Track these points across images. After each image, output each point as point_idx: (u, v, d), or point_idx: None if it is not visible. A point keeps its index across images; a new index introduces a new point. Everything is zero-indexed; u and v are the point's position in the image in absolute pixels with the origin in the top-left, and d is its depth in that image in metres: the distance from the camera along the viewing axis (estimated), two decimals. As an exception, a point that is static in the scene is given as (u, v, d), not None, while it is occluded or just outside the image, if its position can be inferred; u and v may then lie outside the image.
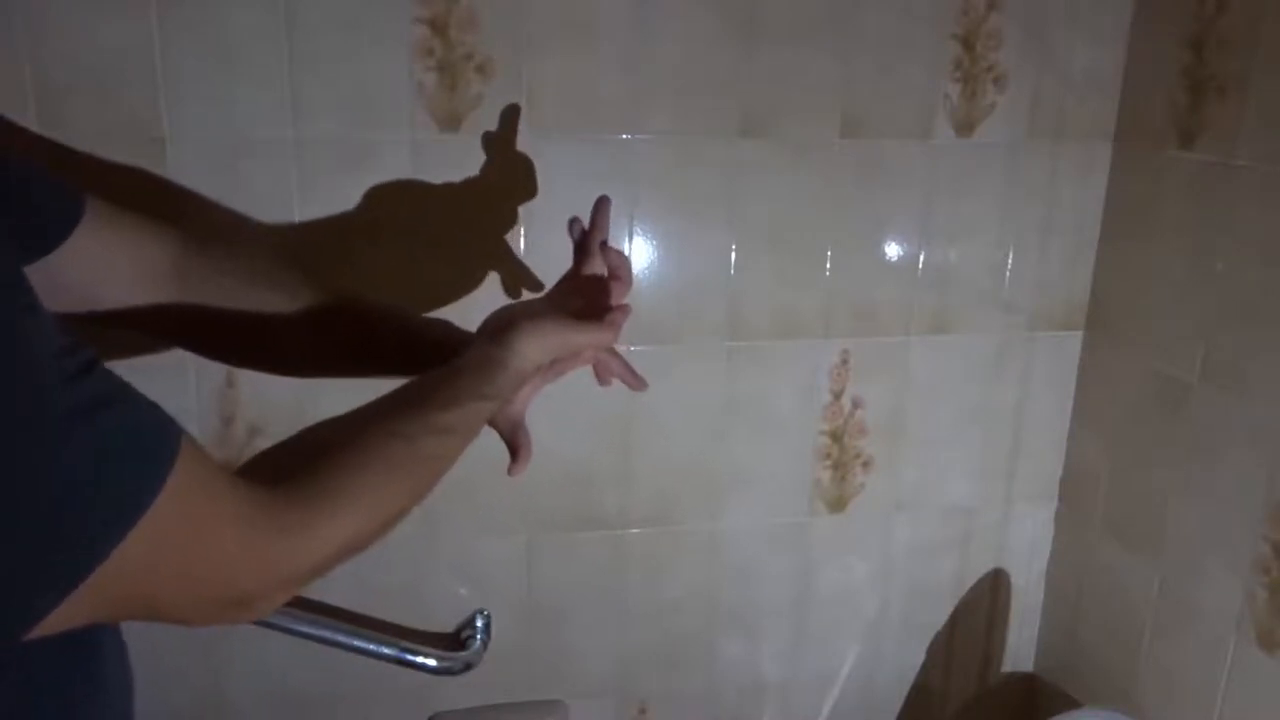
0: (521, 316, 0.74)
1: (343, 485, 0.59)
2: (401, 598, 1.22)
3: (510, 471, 0.78)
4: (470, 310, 1.12)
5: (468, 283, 1.13)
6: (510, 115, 1.10)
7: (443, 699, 1.29)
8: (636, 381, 0.84)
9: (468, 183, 1.11)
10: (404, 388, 0.69)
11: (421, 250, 1.13)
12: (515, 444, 0.80)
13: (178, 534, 0.48)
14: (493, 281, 1.14)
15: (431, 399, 0.67)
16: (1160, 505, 1.22)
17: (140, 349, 1.09)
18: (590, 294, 0.83)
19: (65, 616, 0.44)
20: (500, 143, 1.10)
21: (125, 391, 0.47)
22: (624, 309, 0.80)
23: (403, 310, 0.88)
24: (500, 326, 0.74)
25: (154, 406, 0.49)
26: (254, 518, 0.53)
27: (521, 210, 1.13)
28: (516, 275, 1.14)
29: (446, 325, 0.86)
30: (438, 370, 0.71)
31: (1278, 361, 1.05)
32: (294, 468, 0.58)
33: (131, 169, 1.04)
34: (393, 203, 1.10)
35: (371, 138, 1.08)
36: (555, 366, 0.79)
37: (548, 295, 0.84)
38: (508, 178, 1.12)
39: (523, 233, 1.14)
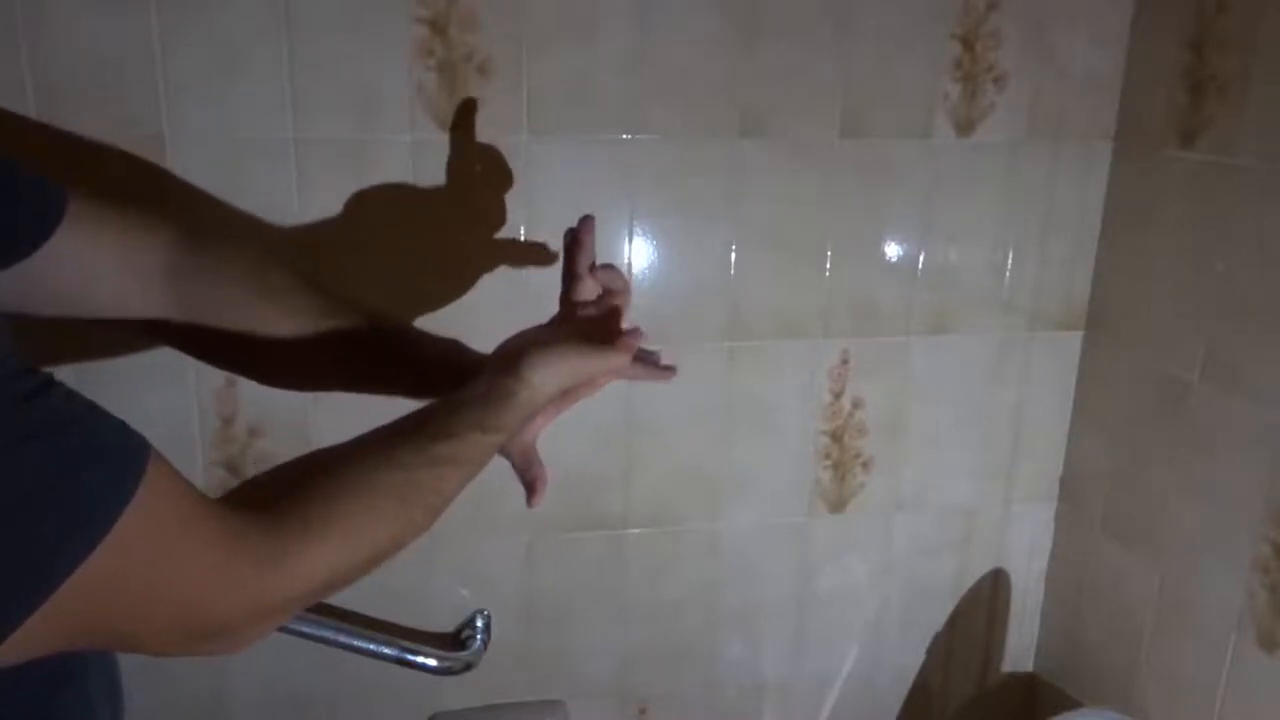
0: (532, 345, 0.71)
1: (328, 516, 0.56)
2: (402, 598, 1.22)
3: (529, 504, 0.76)
4: (471, 314, 1.12)
5: (464, 284, 1.13)
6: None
7: (443, 699, 1.29)
8: (667, 373, 0.82)
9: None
10: (405, 418, 0.66)
11: (414, 254, 1.13)
12: (528, 476, 0.77)
13: (143, 559, 0.46)
14: (491, 280, 1.14)
15: (431, 430, 0.65)
16: (1160, 505, 1.22)
17: (140, 347, 1.09)
18: (600, 316, 0.80)
19: (22, 647, 0.43)
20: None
21: (87, 412, 0.45)
22: (636, 332, 0.76)
23: (410, 328, 0.86)
24: (510, 356, 0.71)
25: (121, 427, 0.47)
26: (228, 546, 0.51)
27: (521, 212, 1.13)
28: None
29: (457, 345, 0.84)
30: (441, 400, 0.69)
31: (1278, 361, 1.05)
32: (280, 496, 0.56)
33: (132, 167, 1.04)
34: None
35: (371, 138, 1.08)
36: (569, 394, 0.76)
37: (557, 320, 0.81)
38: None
39: (523, 234, 1.14)
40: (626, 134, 1.14)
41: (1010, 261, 1.29)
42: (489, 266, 1.14)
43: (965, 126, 1.23)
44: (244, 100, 1.05)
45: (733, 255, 1.21)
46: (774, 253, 1.22)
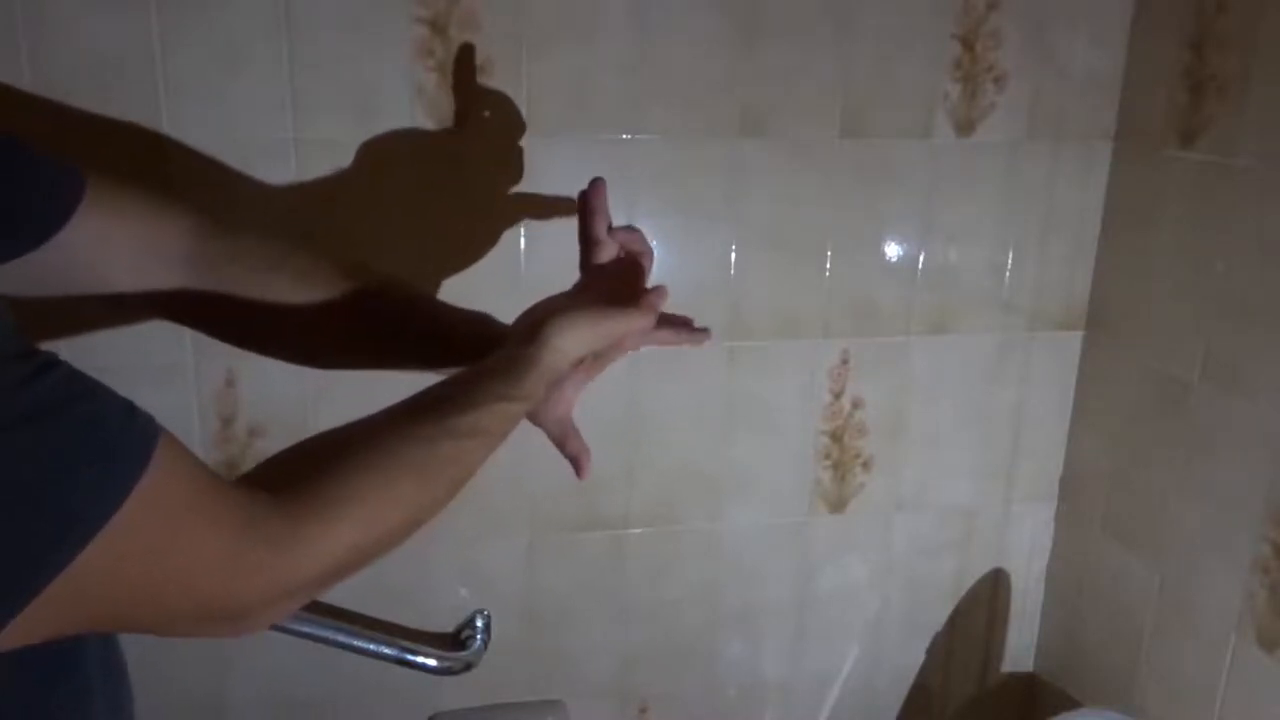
0: (553, 311, 0.70)
1: (344, 494, 0.55)
2: (402, 598, 1.22)
3: (578, 477, 0.76)
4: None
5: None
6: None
7: (443, 699, 1.29)
8: (700, 335, 0.80)
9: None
10: (424, 391, 0.65)
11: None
12: (568, 450, 0.76)
13: (151, 541, 0.45)
14: (494, 270, 1.13)
15: (451, 401, 0.63)
16: (1160, 505, 1.22)
17: (141, 343, 1.09)
18: (623, 278, 0.78)
19: (25, 630, 0.42)
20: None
21: (93, 393, 0.45)
22: (660, 290, 0.75)
23: (437, 303, 0.85)
24: (532, 323, 0.70)
25: (128, 408, 0.46)
26: (239, 527, 0.50)
27: (519, 209, 1.13)
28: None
29: (484, 318, 0.82)
30: (462, 371, 0.68)
31: (1278, 361, 1.05)
32: (296, 474, 0.55)
33: (138, 151, 1.04)
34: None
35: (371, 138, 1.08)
36: (599, 360, 0.75)
37: (579, 286, 0.80)
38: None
39: (522, 232, 1.14)
40: (626, 134, 1.14)
41: (1010, 261, 1.29)
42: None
43: (965, 126, 1.23)
44: (244, 100, 1.05)
45: (733, 255, 1.21)
46: (774, 253, 1.22)
